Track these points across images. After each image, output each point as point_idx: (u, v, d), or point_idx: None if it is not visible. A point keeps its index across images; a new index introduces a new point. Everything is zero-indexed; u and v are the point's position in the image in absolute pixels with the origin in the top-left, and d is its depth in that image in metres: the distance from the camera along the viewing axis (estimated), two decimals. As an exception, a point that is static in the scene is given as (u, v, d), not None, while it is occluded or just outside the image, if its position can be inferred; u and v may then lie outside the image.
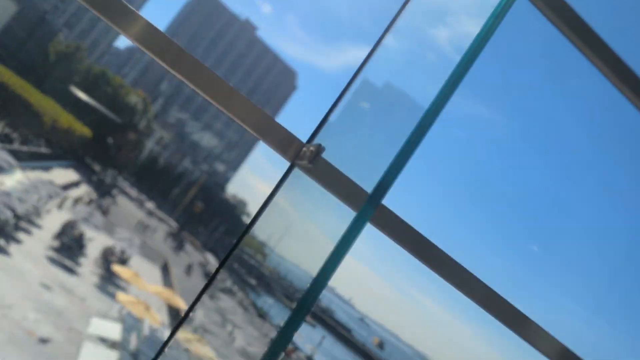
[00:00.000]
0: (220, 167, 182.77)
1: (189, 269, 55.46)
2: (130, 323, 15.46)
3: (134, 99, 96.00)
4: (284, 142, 2.11)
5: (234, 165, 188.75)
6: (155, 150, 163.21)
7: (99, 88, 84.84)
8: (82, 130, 72.61)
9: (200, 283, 55.77)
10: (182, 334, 22.16)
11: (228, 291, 60.11)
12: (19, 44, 71.68)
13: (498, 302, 2.44)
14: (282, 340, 1.79)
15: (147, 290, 23.47)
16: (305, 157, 2.09)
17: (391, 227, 1.98)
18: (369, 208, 1.77)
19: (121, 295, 20.58)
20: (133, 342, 13.74)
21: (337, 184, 2.04)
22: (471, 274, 2.26)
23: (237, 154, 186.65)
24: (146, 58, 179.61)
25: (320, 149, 2.05)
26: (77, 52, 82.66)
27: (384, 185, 1.82)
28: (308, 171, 2.09)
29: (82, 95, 78.26)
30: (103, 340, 15.19)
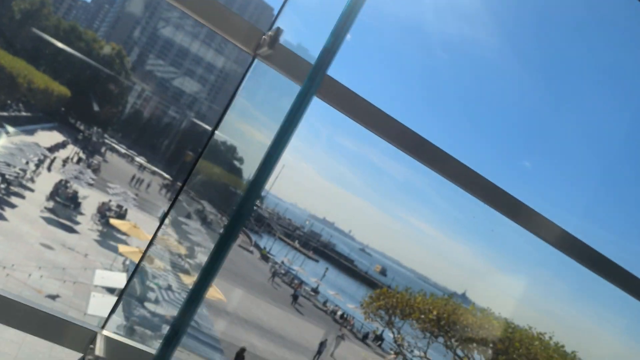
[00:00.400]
0: (207, 113, 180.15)
1: (188, 217, 55.88)
2: (134, 270, 15.70)
3: (109, 51, 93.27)
4: (244, 34, 2.04)
5: (221, 110, 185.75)
6: (139, 103, 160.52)
7: (70, 44, 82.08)
8: (60, 89, 70.98)
9: (200, 229, 56.41)
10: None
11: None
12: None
13: (483, 184, 2.43)
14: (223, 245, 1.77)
15: (147, 240, 23.76)
16: (265, 44, 2.02)
17: (339, 98, 1.94)
18: (314, 80, 1.72)
19: (122, 247, 20.87)
20: (138, 288, 14.00)
21: (296, 68, 1.99)
22: (442, 151, 2.24)
23: (223, 99, 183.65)
24: (115, 9, 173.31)
25: (279, 32, 1.98)
26: (42, 8, 79.34)
27: (327, 54, 1.76)
28: (267, 59, 2.04)
29: (60, 45, 75.90)
30: (110, 290, 15.52)
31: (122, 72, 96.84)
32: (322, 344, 29.49)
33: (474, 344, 13.68)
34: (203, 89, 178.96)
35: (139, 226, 24.72)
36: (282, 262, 61.96)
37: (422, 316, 14.36)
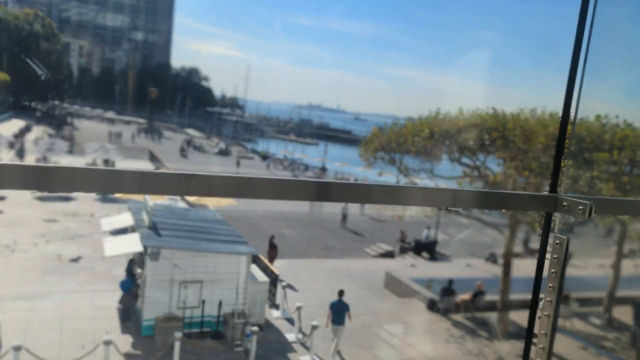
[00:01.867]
0: (153, 39, 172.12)
1: (182, 151, 55.49)
2: (136, 207, 15.77)
3: (24, 17, 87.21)
4: None
5: (166, 34, 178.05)
6: (83, 61, 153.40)
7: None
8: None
9: (198, 155, 56.45)
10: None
11: (225, 153, 60.82)
12: None
13: None
14: None
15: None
16: None
17: None
18: None
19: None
20: (145, 219, 14.09)
21: None
22: None
23: (162, 21, 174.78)
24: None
25: None
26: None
27: None
28: None
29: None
30: (120, 231, 15.72)
31: (51, 37, 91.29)
32: (344, 207, 30.57)
33: (470, 143, 13.83)
34: (135, 17, 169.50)
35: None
36: (284, 156, 62.45)
37: (416, 138, 14.45)
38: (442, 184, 15.60)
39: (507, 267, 15.58)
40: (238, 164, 51.70)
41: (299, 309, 13.93)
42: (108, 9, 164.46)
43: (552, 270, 2.39)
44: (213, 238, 14.35)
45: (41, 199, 26.27)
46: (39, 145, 36.73)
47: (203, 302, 13.51)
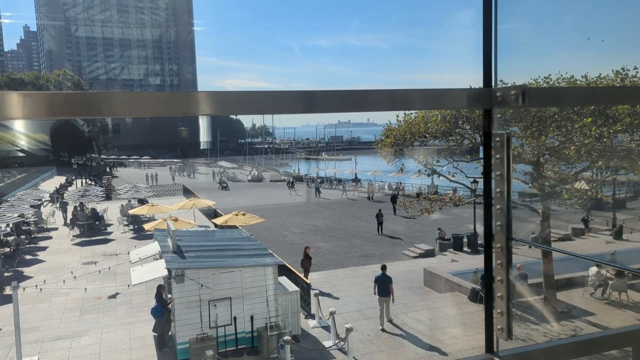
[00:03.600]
0: (179, 82, 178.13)
1: (221, 183, 56.13)
2: (162, 235, 15.85)
3: (57, 79, 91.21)
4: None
5: (191, 75, 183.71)
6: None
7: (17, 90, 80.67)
8: (37, 137, 70.60)
9: (232, 185, 57.22)
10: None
11: (257, 180, 61.12)
12: None
13: None
14: None
15: (172, 209, 23.99)
16: None
17: None
18: None
19: (147, 225, 21.12)
20: (170, 244, 14.11)
21: None
22: None
23: (185, 64, 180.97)
24: (43, 42, 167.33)
25: None
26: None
27: None
28: None
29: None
30: (146, 259, 15.81)
31: (77, 89, 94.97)
32: (379, 215, 30.13)
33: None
34: (160, 64, 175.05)
35: (155, 204, 24.90)
36: (317, 174, 62.55)
37: (429, 124, 14.03)
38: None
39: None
40: (291, 185, 52.36)
41: (332, 314, 13.56)
42: (133, 61, 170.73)
43: (497, 173, 2.09)
44: (237, 254, 14.22)
45: (80, 244, 26.91)
46: (78, 195, 37.76)
47: (234, 318, 13.33)
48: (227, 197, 46.09)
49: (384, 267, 15.59)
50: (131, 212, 26.95)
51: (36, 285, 19.55)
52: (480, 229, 27.80)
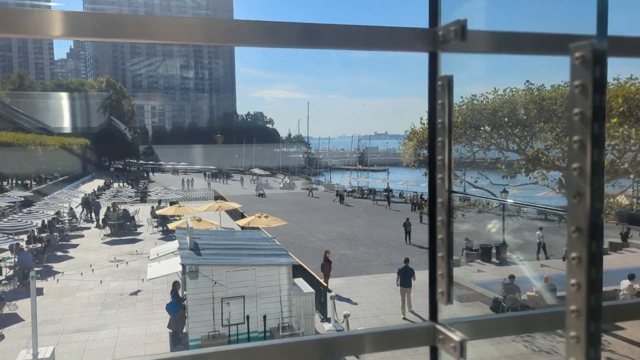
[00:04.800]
0: (218, 91, 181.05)
1: (258, 190, 56.60)
2: (182, 233, 15.96)
3: (100, 86, 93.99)
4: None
5: (230, 85, 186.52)
6: (157, 120, 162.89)
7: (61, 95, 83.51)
8: (78, 141, 72.83)
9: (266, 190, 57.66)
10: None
11: (289, 187, 61.47)
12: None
13: None
14: None
15: (198, 211, 24.21)
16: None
17: None
18: None
19: (171, 225, 21.34)
20: (188, 242, 14.17)
21: None
22: None
23: (225, 75, 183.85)
24: (90, 51, 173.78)
25: None
26: (23, 81, 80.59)
27: None
28: None
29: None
30: (164, 256, 15.93)
31: (124, 99, 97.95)
32: (406, 224, 29.65)
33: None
34: (200, 73, 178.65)
35: (182, 205, 25.17)
36: (349, 183, 62.53)
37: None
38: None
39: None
40: (310, 194, 53.51)
41: (346, 317, 13.31)
42: (175, 69, 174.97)
43: (439, 120, 1.92)
44: (253, 253, 14.15)
45: (109, 243, 27.45)
46: (110, 195, 38.65)
47: (247, 317, 13.23)
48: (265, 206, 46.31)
49: (406, 260, 16.75)
50: (159, 212, 27.35)
51: (57, 280, 20.02)
52: (509, 240, 27.01)
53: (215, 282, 12.93)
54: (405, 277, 16.02)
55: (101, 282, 19.78)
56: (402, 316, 15.78)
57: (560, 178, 13.02)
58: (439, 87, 1.91)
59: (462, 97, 14.64)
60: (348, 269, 23.07)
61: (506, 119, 12.14)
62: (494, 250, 24.16)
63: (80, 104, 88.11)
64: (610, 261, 22.28)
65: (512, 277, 15.25)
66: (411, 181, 50.20)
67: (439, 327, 1.61)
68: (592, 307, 0.93)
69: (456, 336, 1.38)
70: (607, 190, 13.19)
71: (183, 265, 13.14)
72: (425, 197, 45.80)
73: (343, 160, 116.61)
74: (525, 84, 12.21)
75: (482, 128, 14.37)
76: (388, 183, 54.08)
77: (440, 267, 2.01)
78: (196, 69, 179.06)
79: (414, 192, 49.28)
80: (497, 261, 23.63)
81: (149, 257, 17.03)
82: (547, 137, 11.49)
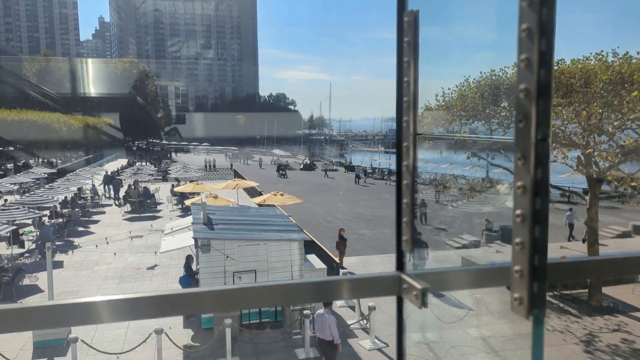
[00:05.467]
0: (241, 72, 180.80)
1: (279, 171, 56.89)
2: (197, 208, 16.04)
3: (124, 66, 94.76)
4: None
5: (253, 66, 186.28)
6: (180, 101, 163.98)
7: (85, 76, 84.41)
8: (102, 121, 73.80)
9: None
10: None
11: (309, 168, 61.50)
12: None
13: None
14: None
15: (216, 188, 24.33)
16: None
17: None
18: None
19: (188, 201, 21.48)
20: (202, 217, 14.23)
21: None
22: None
23: (247, 56, 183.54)
24: (115, 31, 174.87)
25: None
26: (48, 63, 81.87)
27: None
28: None
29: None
30: (178, 230, 16.06)
31: (147, 80, 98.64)
32: (422, 205, 29.45)
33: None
34: (223, 54, 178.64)
35: (200, 183, 25.33)
36: (370, 164, 62.32)
37: (466, 103, 13.37)
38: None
39: (593, 236, 13.88)
40: (326, 174, 53.80)
41: (357, 293, 13.24)
42: (199, 51, 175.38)
43: (406, 59, 1.80)
44: (265, 228, 14.15)
45: (129, 219, 27.85)
46: (131, 173, 39.10)
47: (259, 291, 13.27)
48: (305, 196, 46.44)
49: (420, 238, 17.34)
50: (177, 189, 27.59)
51: (67, 252, 20.52)
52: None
53: (227, 256, 12.99)
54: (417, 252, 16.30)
55: (115, 254, 20.16)
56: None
57: (579, 156, 12.62)
58: (405, 24, 1.77)
59: (481, 72, 14.29)
60: (365, 248, 23.00)
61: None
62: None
63: (106, 80, 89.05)
64: (635, 244, 21.79)
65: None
66: (432, 162, 49.59)
67: (404, 276, 1.53)
68: (536, 267, 0.91)
69: (419, 284, 1.37)
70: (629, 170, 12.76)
71: (195, 239, 13.21)
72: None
73: (365, 142, 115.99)
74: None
75: (502, 105, 14.01)
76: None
77: (405, 214, 1.91)
78: (219, 50, 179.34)
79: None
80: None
81: (162, 231, 17.19)
82: (565, 113, 11.09)
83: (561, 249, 21.43)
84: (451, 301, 14.48)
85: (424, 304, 1.54)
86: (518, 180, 0.92)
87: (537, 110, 0.92)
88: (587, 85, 10.79)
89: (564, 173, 31.91)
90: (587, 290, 14.30)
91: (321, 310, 11.02)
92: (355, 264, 19.56)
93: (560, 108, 10.86)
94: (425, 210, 28.98)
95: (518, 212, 0.93)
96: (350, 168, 61.30)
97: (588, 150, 11.76)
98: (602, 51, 12.06)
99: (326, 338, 10.62)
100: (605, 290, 14.47)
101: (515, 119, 0.95)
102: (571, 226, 24.07)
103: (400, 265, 1.97)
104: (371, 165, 62.62)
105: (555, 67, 12.18)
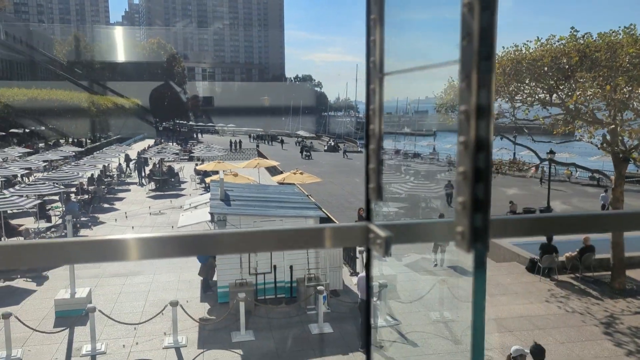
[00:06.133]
0: (267, 54, 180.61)
1: (302, 152, 56.90)
2: (215, 185, 16.14)
3: (152, 47, 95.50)
4: None
5: (279, 48, 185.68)
6: (207, 83, 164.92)
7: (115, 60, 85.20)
8: (128, 102, 74.78)
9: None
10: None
11: (333, 149, 61.44)
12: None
13: None
14: None
15: (237, 167, 24.47)
16: None
17: None
18: None
19: (208, 179, 21.63)
20: (219, 193, 14.31)
21: None
22: None
23: (274, 37, 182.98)
24: (143, 14, 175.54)
25: None
26: (78, 44, 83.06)
27: None
28: None
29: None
30: (197, 206, 16.21)
31: (174, 61, 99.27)
32: (447, 185, 29.16)
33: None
34: (249, 37, 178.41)
35: (222, 161, 25.48)
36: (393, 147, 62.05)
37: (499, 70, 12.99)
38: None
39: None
40: (345, 155, 53.55)
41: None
42: (225, 32, 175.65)
43: (372, 16, 1.70)
44: (282, 205, 14.16)
45: (153, 197, 28.26)
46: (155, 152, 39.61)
47: (274, 267, 13.35)
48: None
49: (441, 216, 17.43)
50: (199, 167, 27.84)
51: (91, 228, 21.02)
52: (556, 206, 26.03)
53: (243, 232, 13.04)
54: None
55: (132, 227, 20.52)
56: (434, 263, 16.10)
57: (604, 134, 12.17)
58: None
59: (503, 47, 13.88)
60: (384, 228, 22.87)
61: (545, 69, 11.32)
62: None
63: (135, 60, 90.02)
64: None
65: (549, 238, 14.65)
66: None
67: (371, 226, 1.51)
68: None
69: (383, 232, 1.40)
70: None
71: (212, 214, 13.31)
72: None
73: (392, 124, 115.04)
74: (570, 30, 11.34)
75: (526, 82, 13.60)
76: (434, 147, 53.14)
77: (372, 160, 1.84)
78: (245, 31, 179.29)
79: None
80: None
81: (181, 207, 17.38)
82: (590, 87, 10.65)
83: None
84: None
85: (387, 253, 1.52)
86: (461, 135, 0.87)
87: (478, 70, 0.85)
88: (612, 59, 10.35)
89: (594, 155, 31.13)
90: (610, 272, 13.94)
91: (363, 274, 11.68)
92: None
93: (583, 82, 10.45)
94: (451, 191, 28.61)
95: (461, 169, 0.90)
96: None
97: (612, 126, 11.34)
98: (632, 24, 11.56)
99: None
100: (630, 273, 14.09)
101: (459, 75, 0.88)
102: (604, 207, 23.54)
103: (369, 215, 1.91)
104: (395, 146, 62.15)
105: (581, 41, 11.74)
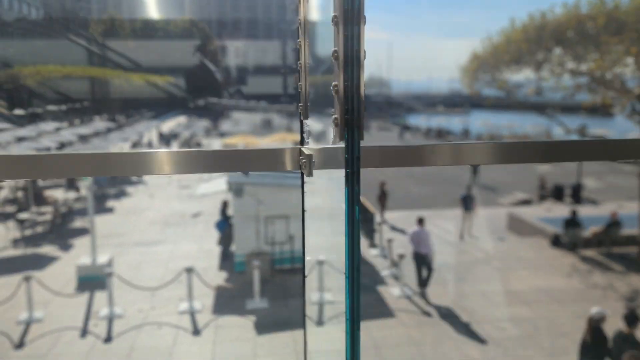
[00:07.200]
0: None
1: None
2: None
3: (183, 25, 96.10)
4: None
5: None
6: (236, 60, 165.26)
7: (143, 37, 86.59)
8: (161, 80, 75.55)
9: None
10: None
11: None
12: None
13: None
14: None
15: (261, 142, 24.56)
16: None
17: None
18: None
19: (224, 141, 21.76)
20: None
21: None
22: None
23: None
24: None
25: None
26: (113, 24, 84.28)
27: None
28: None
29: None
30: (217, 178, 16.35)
31: (208, 39, 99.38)
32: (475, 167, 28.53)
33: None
34: (280, 14, 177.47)
35: (247, 135, 25.58)
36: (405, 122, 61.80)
37: (512, 45, 12.52)
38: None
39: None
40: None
41: (389, 241, 13.11)
42: (259, 8, 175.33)
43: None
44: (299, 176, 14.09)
45: (181, 171, 28.64)
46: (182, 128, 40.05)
47: (291, 237, 13.36)
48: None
49: (468, 188, 17.82)
50: (224, 141, 28.07)
51: (119, 199, 21.44)
52: (589, 184, 25.25)
53: (260, 201, 13.09)
54: (467, 202, 16.92)
55: (152, 198, 20.88)
56: (460, 237, 16.27)
57: (632, 104, 11.59)
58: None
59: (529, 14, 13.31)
60: (410, 204, 22.65)
61: (572, 34, 10.75)
62: (569, 191, 22.79)
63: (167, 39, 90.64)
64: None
65: (574, 212, 14.21)
66: (490, 121, 47.93)
67: (303, 149, 1.49)
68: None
69: (308, 150, 1.43)
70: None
71: (229, 184, 13.37)
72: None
73: (425, 102, 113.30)
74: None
75: (551, 49, 13.04)
76: (467, 125, 52.13)
77: (301, 77, 1.81)
78: (278, 8, 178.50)
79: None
80: (572, 200, 22.28)
81: (196, 191, 17.55)
82: (616, 50, 10.08)
83: (619, 207, 20.27)
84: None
85: (310, 173, 1.48)
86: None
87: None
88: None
89: (631, 131, 29.88)
90: (638, 248, 13.46)
91: (416, 228, 12.42)
92: (399, 218, 19.30)
93: (608, 46, 9.91)
94: (478, 168, 28.06)
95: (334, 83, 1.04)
96: (405, 128, 60.29)
97: (640, 94, 10.78)
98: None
99: (421, 251, 12.01)
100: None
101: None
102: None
103: (301, 139, 1.84)
104: (427, 124, 61.30)
105: (610, 5, 11.13)
